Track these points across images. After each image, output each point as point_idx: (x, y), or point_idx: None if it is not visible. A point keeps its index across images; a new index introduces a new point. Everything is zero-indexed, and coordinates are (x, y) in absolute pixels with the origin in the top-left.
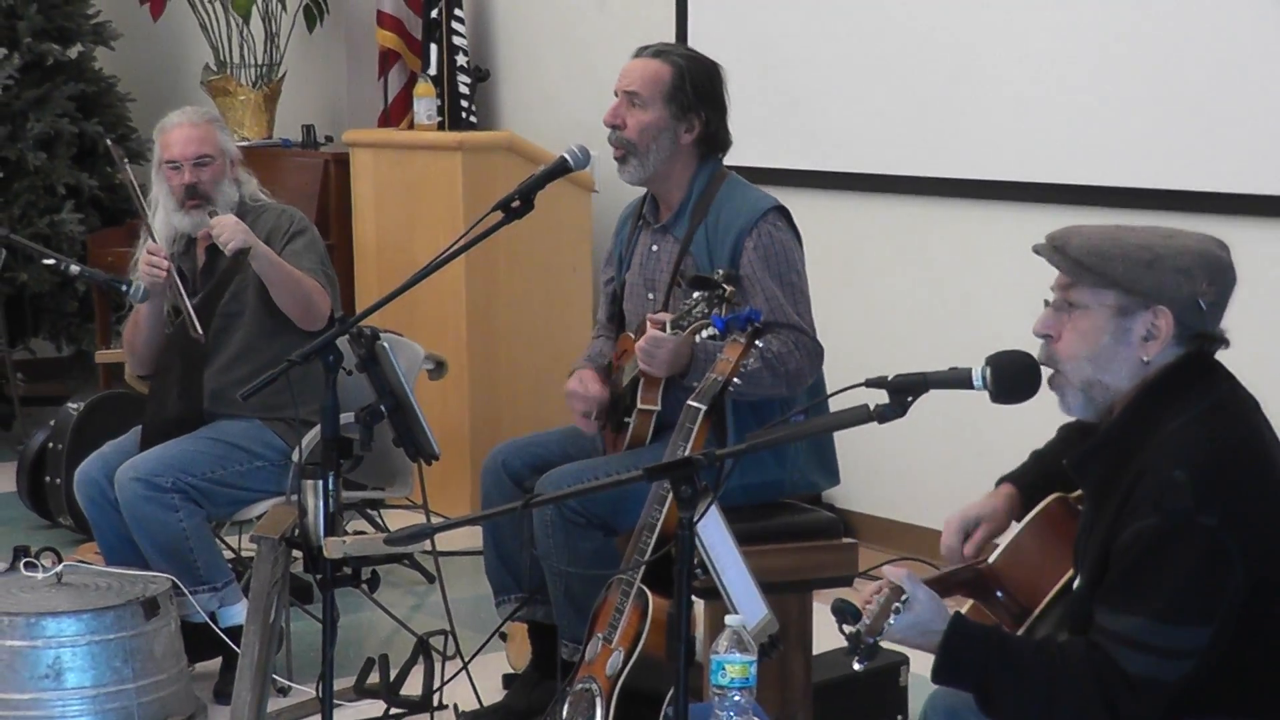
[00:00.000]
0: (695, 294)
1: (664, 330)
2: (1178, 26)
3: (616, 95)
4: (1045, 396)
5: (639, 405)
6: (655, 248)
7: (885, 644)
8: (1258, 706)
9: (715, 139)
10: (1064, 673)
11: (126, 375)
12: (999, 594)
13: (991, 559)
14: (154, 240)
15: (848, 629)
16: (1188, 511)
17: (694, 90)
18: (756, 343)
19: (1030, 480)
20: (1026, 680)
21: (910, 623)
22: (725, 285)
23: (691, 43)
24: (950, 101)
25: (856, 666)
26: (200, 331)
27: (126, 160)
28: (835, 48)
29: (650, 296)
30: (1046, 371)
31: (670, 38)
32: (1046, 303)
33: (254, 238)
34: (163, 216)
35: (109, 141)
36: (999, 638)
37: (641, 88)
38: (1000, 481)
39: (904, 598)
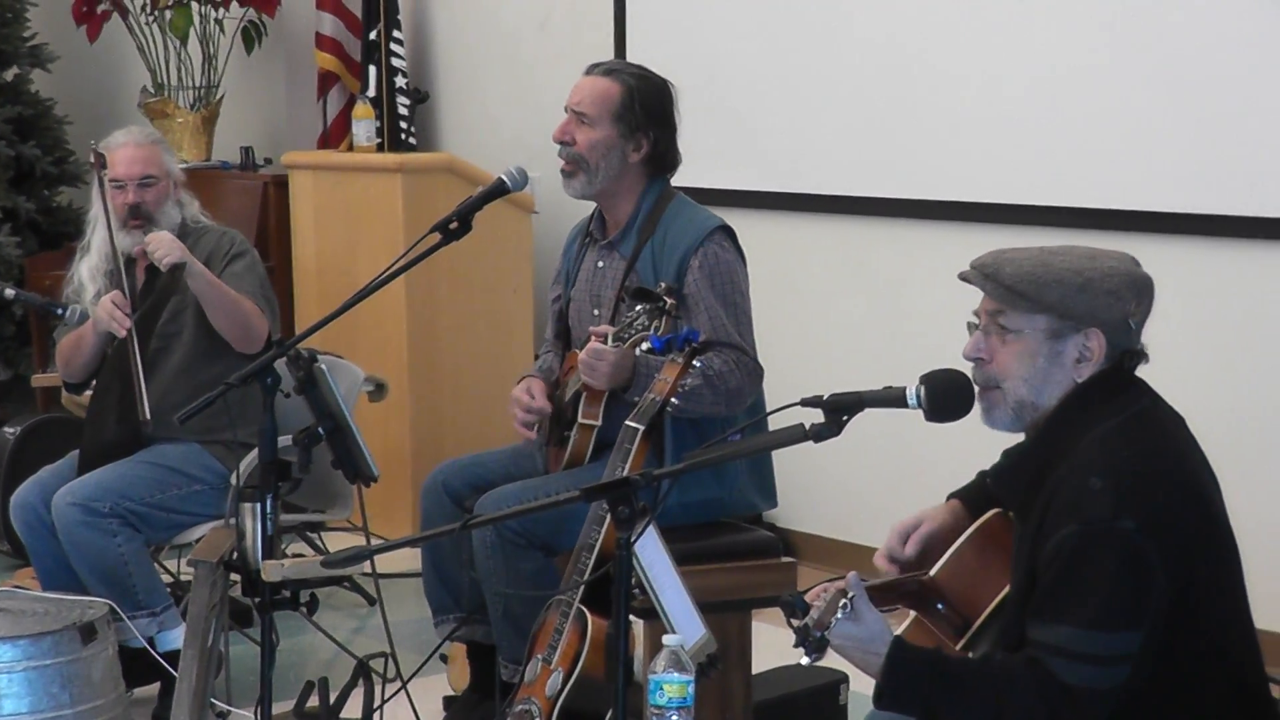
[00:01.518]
0: (637, 306)
1: (606, 343)
2: (1116, 50)
3: (567, 112)
4: (980, 415)
5: (580, 420)
6: (601, 264)
7: (827, 657)
8: (1191, 717)
9: (664, 158)
10: (1007, 690)
11: (63, 399)
12: (940, 606)
13: (933, 571)
14: (124, 286)
15: (795, 622)
16: (1106, 518)
17: (643, 110)
18: (695, 362)
19: (977, 497)
20: (970, 701)
21: (852, 634)
22: (666, 298)
23: None
24: (890, 122)
25: (804, 661)
26: (148, 417)
27: (106, 172)
28: (776, 69)
29: (596, 313)
30: (976, 387)
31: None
32: (971, 326)
33: (189, 255)
34: (101, 234)
35: (93, 144)
36: (939, 660)
37: (590, 107)
38: (949, 498)
39: (851, 596)
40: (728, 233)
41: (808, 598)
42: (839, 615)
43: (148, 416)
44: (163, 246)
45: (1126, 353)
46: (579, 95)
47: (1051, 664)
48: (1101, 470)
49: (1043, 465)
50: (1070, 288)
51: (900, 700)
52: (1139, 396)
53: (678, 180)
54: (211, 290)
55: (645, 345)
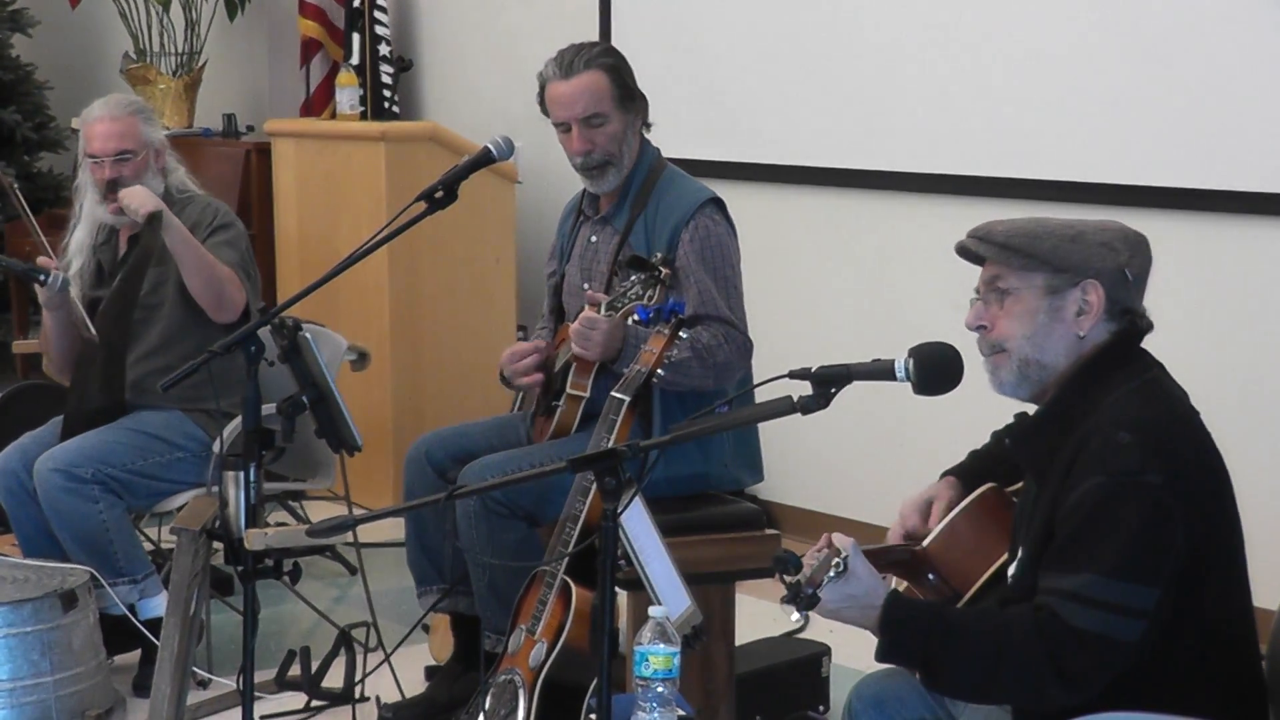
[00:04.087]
0: (632, 276)
1: (599, 311)
2: (1099, 21)
3: (566, 127)
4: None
5: (569, 390)
6: (595, 239)
7: (820, 623)
8: (1189, 696)
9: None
10: (1008, 636)
11: (44, 367)
12: (931, 576)
13: (926, 542)
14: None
15: (788, 579)
16: (1134, 471)
17: (627, 84)
18: (682, 333)
19: (972, 474)
20: (970, 648)
21: (846, 594)
22: (662, 268)
23: (615, 36)
24: (875, 94)
25: (795, 618)
26: (93, 332)
27: (21, 196)
28: (760, 39)
29: (586, 287)
30: (979, 354)
31: (593, 30)
32: (973, 301)
33: (165, 208)
34: (89, 206)
35: (12, 183)
36: (937, 610)
37: (596, 106)
38: (943, 475)
39: (844, 556)
40: (719, 205)
41: (804, 559)
42: (831, 574)
43: (93, 332)
44: (137, 198)
45: (1128, 311)
46: (579, 103)
47: (1060, 608)
48: (1129, 425)
49: (1062, 428)
50: (1062, 239)
51: (898, 652)
52: (1149, 365)
53: (664, 153)
54: (186, 248)
55: (635, 317)
